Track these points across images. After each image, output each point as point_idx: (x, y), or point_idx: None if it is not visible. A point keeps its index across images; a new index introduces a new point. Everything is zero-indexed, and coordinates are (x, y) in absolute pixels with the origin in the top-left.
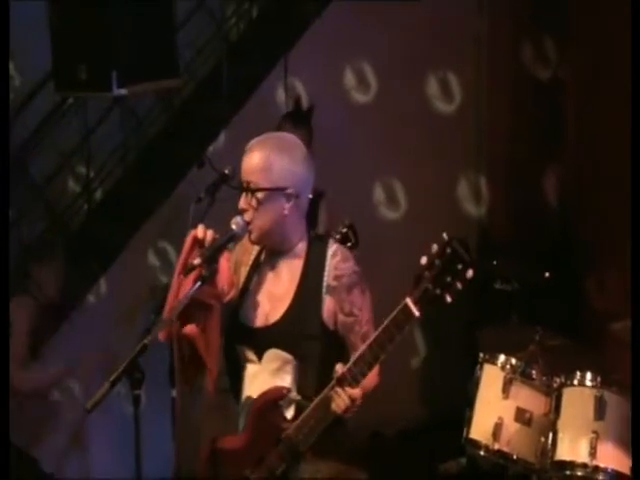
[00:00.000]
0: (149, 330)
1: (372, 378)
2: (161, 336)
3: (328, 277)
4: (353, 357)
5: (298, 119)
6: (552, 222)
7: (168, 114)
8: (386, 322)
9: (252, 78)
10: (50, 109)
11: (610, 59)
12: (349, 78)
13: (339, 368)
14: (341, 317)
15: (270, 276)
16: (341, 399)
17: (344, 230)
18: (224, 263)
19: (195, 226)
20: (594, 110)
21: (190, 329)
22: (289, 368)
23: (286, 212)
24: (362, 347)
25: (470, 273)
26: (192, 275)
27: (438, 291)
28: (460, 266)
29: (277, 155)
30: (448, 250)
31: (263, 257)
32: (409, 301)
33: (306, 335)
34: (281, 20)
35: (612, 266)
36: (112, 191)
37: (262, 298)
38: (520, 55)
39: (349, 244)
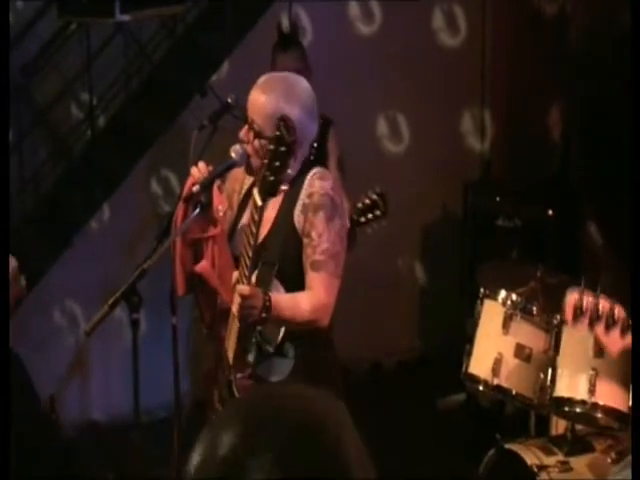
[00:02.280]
0: (150, 255)
1: (300, 303)
2: (180, 291)
3: (303, 195)
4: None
5: (286, 45)
6: (555, 159)
7: (171, 41)
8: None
9: (256, 7)
10: (53, 34)
11: None
12: (354, 8)
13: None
14: (302, 236)
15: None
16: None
17: (374, 197)
18: (215, 189)
19: (197, 154)
20: (597, 46)
21: (201, 267)
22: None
23: None
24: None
25: (289, 156)
26: (192, 203)
27: (271, 178)
28: (282, 149)
29: (286, 104)
30: (276, 133)
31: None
32: (254, 191)
33: (283, 252)
34: None
35: (611, 205)
36: (115, 118)
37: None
38: None
39: (377, 212)
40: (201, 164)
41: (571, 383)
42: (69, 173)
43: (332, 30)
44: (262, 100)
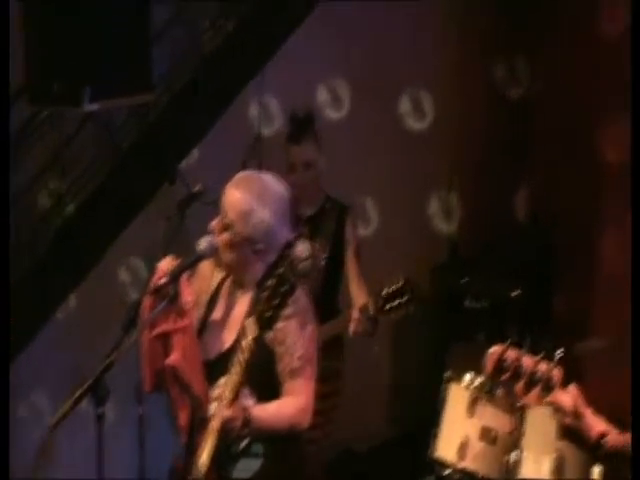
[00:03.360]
0: (116, 347)
1: (281, 412)
2: (148, 387)
3: None
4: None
5: (301, 135)
6: (522, 241)
7: (141, 129)
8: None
9: (226, 93)
10: (23, 121)
11: (574, 78)
12: (322, 94)
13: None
14: (275, 344)
15: (227, 307)
16: (217, 417)
17: (400, 283)
18: (183, 281)
19: (166, 244)
20: (561, 129)
21: (173, 359)
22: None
23: (250, 260)
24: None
25: (290, 295)
26: (159, 296)
27: (269, 313)
28: (284, 288)
29: (259, 205)
30: (279, 271)
31: (222, 290)
32: (249, 322)
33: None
34: (257, 35)
35: (576, 284)
36: (84, 206)
37: (218, 330)
38: (492, 74)
39: (406, 298)
40: (168, 258)
41: (536, 466)
42: (37, 262)
43: None
44: (237, 196)
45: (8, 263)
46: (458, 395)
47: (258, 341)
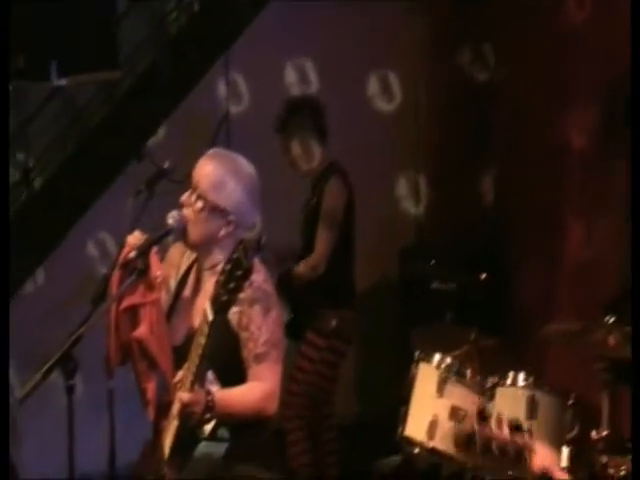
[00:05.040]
0: (85, 321)
1: (246, 397)
2: (113, 361)
3: None
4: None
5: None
6: (487, 223)
7: (108, 106)
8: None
9: (193, 73)
10: None
11: (539, 63)
12: (290, 74)
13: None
14: (239, 330)
15: (194, 291)
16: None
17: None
18: (152, 255)
19: (134, 220)
20: (524, 115)
21: (140, 332)
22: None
23: (221, 234)
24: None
25: (245, 280)
26: (128, 270)
27: (225, 297)
28: (239, 272)
29: (232, 178)
30: (234, 255)
31: (191, 274)
32: (207, 305)
33: (217, 345)
34: (222, 15)
35: (540, 269)
36: (51, 180)
37: (185, 314)
38: (458, 57)
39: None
40: (137, 232)
41: None
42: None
43: (268, 95)
44: (210, 168)
45: (9, 263)
46: (427, 374)
47: (216, 325)
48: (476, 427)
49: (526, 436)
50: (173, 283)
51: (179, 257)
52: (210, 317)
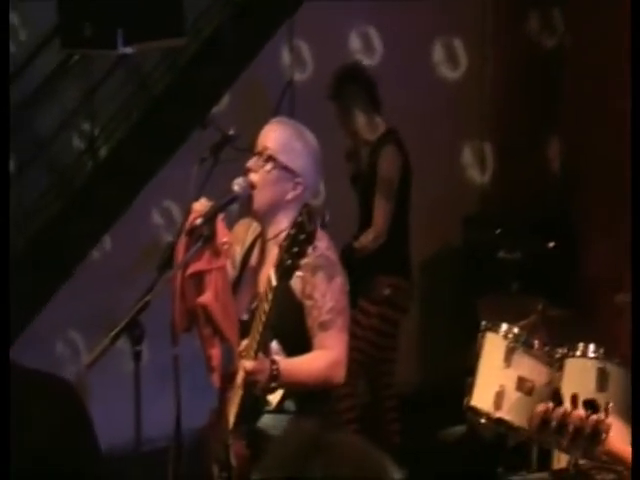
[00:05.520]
0: (152, 287)
1: (312, 365)
2: (179, 327)
3: None
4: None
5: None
6: (554, 191)
7: (172, 74)
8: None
9: (257, 39)
10: (55, 65)
11: (607, 29)
12: (355, 41)
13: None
14: (303, 298)
15: (259, 264)
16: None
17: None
18: (219, 222)
19: (199, 187)
20: (593, 81)
21: (205, 298)
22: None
23: (288, 197)
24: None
25: (309, 244)
26: (194, 236)
27: (289, 262)
28: (303, 236)
29: (300, 143)
30: (298, 219)
31: (256, 247)
32: (271, 272)
33: (282, 315)
34: None
35: (611, 237)
36: (116, 149)
37: (250, 287)
38: (526, 23)
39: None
40: (203, 199)
41: None
42: (70, 204)
43: (333, 63)
44: (279, 131)
45: (8, 260)
46: (494, 344)
47: (280, 295)
48: (550, 406)
49: (602, 414)
50: (238, 258)
51: (244, 233)
52: (274, 282)
